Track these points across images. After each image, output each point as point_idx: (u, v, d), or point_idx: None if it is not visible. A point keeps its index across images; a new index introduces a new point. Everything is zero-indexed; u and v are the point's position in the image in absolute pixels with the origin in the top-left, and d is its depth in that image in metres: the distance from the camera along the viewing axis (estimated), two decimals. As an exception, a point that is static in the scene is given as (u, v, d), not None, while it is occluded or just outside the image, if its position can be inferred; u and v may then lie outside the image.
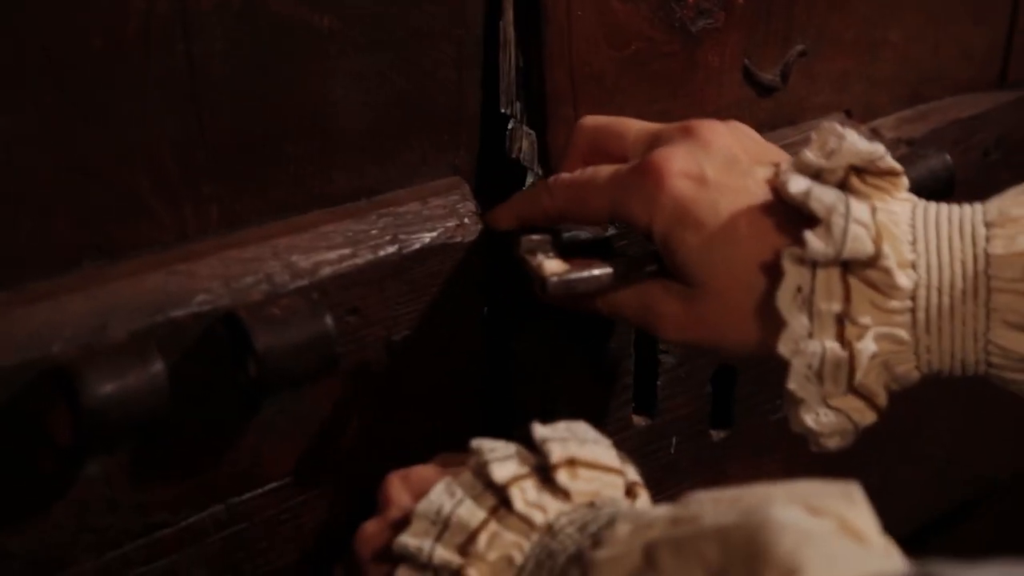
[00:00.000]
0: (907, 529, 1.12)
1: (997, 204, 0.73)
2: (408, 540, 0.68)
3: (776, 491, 0.61)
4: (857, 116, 1.03)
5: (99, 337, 0.66)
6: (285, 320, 0.70)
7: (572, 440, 0.71)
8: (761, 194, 0.74)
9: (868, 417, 0.74)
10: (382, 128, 0.77)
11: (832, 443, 0.75)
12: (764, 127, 0.97)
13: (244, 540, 0.77)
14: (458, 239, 0.80)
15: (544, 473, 0.69)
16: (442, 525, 0.68)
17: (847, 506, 0.59)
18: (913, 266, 0.72)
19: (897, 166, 0.73)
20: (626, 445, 0.90)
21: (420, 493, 0.71)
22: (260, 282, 0.72)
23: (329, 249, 0.75)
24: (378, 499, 0.77)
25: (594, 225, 0.82)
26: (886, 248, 0.71)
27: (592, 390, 0.90)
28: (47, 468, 0.67)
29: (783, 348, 0.72)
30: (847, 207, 0.71)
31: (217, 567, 0.76)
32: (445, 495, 0.69)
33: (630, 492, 0.72)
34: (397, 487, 0.76)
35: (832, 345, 0.72)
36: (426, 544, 0.68)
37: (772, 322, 0.73)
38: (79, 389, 0.63)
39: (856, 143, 0.73)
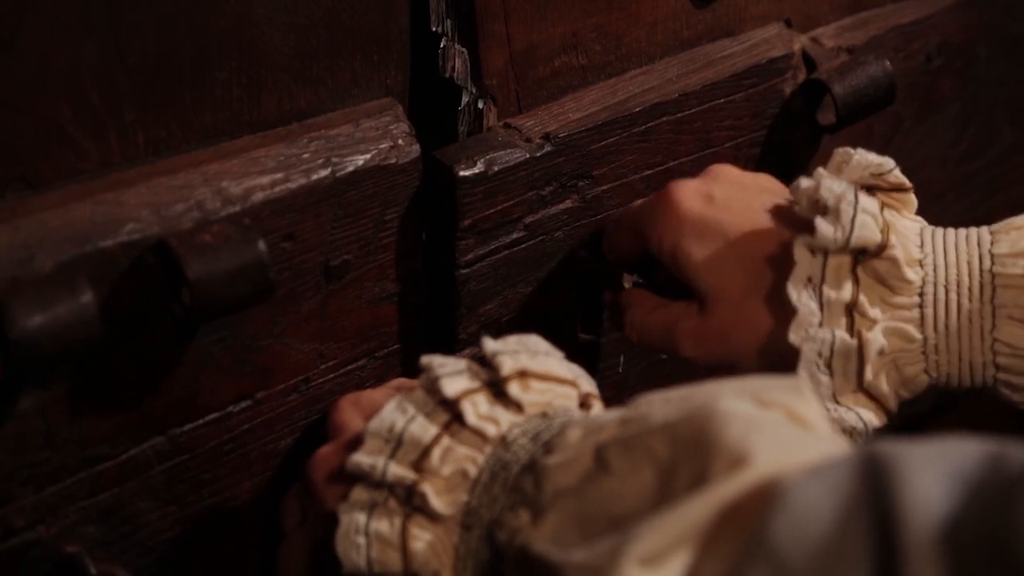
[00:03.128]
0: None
1: (1000, 222, 0.78)
2: (361, 458, 0.67)
3: (725, 387, 0.60)
4: (797, 25, 1.01)
5: (26, 269, 0.65)
6: (217, 247, 0.69)
7: (523, 353, 0.70)
8: (766, 211, 0.80)
9: (877, 419, 0.76)
10: (309, 49, 0.75)
11: None
12: (702, 39, 0.96)
13: (188, 471, 0.75)
14: (392, 161, 0.78)
15: (496, 387, 0.68)
16: (395, 442, 0.67)
17: (795, 398, 0.59)
18: (920, 264, 0.76)
19: (905, 181, 0.78)
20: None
21: (372, 415, 0.70)
22: (190, 209, 0.71)
23: (260, 174, 0.74)
24: (329, 424, 0.76)
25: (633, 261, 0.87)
26: (893, 239, 0.75)
27: (535, 312, 0.89)
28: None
29: (793, 335, 0.76)
30: (856, 196, 0.75)
31: (161, 499, 0.75)
32: (397, 412, 0.68)
33: (585, 404, 0.71)
34: (348, 411, 0.75)
35: (842, 334, 0.75)
36: (380, 462, 0.67)
37: (782, 317, 0.76)
38: (7, 322, 0.62)
39: (865, 156, 0.77)
